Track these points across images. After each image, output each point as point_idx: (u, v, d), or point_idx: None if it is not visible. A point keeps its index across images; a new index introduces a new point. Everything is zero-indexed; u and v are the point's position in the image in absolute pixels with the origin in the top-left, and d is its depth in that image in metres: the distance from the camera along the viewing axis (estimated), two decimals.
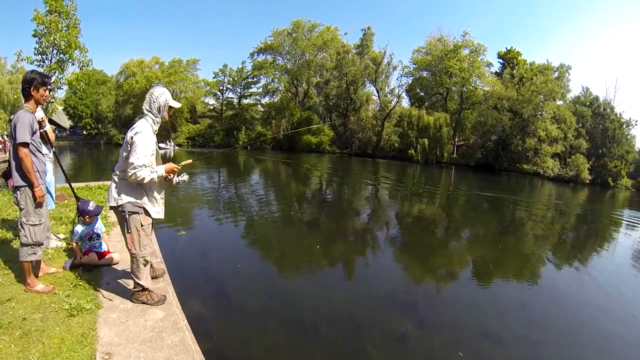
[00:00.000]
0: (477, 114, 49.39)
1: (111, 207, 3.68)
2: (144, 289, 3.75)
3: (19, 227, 3.84)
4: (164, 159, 3.90)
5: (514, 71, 47.49)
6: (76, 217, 5.31)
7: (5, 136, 38.20)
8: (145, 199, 3.60)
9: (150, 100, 3.60)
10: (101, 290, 4.02)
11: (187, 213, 11.84)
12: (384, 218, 13.50)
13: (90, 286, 4.03)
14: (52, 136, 5.20)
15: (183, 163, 3.85)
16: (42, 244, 3.99)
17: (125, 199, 3.53)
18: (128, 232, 3.61)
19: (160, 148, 3.88)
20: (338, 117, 58.15)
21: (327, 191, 19.86)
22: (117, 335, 3.21)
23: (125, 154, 3.47)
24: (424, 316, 6.06)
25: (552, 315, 6.45)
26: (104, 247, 4.78)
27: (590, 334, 5.93)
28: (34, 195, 3.78)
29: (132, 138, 3.43)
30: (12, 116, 3.87)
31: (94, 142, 63.88)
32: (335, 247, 9.52)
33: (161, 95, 3.63)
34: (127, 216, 3.56)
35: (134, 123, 3.63)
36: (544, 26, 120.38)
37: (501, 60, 56.54)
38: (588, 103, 48.15)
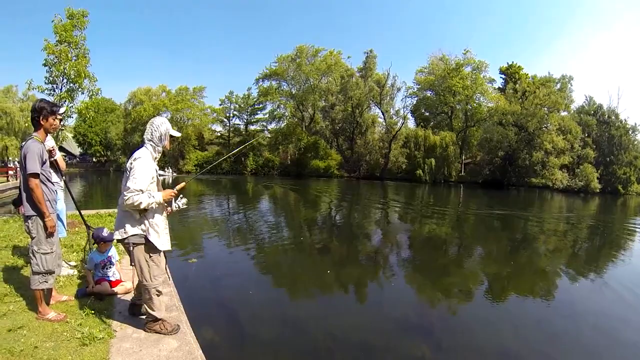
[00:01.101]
0: (483, 130, 49.50)
1: (117, 240, 3.66)
2: (157, 319, 3.69)
3: (31, 255, 3.82)
4: (163, 186, 3.88)
5: (517, 85, 47.88)
6: (87, 245, 5.31)
7: (16, 162, 38.77)
8: (149, 230, 3.54)
9: (152, 129, 3.65)
10: (114, 319, 3.97)
11: (197, 240, 11.83)
12: (395, 241, 13.37)
13: (103, 315, 3.97)
14: (62, 164, 5.24)
15: (178, 187, 3.81)
16: (54, 272, 3.95)
17: (129, 231, 3.49)
18: (134, 265, 3.59)
19: (160, 175, 3.87)
20: (345, 140, 58.48)
21: (336, 216, 19.78)
22: None
23: (124, 181, 3.47)
24: (440, 338, 5.90)
25: (572, 329, 6.29)
26: (117, 276, 4.75)
27: (612, 345, 5.74)
28: (45, 225, 3.77)
29: (131, 164, 3.46)
30: (22, 143, 3.88)
31: (103, 169, 64.64)
32: (347, 271, 9.40)
33: (162, 124, 3.68)
34: (131, 248, 3.54)
35: (134, 151, 3.66)
36: (542, 36, 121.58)
37: (503, 76, 57.25)
38: (592, 112, 48.27)
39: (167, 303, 4.43)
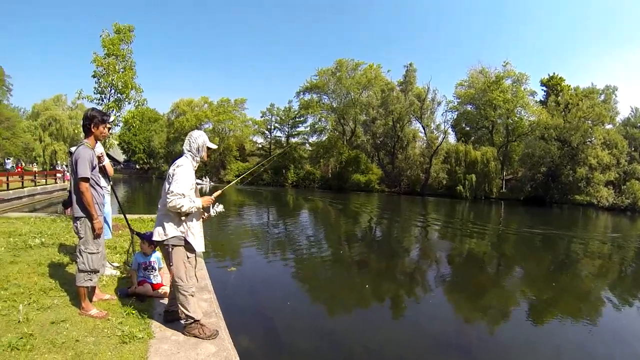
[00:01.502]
0: (525, 145, 47.72)
1: (156, 242, 3.79)
2: (195, 321, 3.70)
3: (78, 254, 3.97)
4: (201, 194, 4.00)
5: (559, 98, 46.01)
6: (131, 247, 5.46)
7: (65, 166, 40.90)
8: (187, 232, 3.67)
9: (190, 141, 3.85)
10: (154, 320, 4.01)
11: (237, 250, 12.01)
12: (433, 258, 13.09)
13: (143, 316, 4.02)
14: (110, 170, 5.48)
15: (215, 194, 3.96)
16: (99, 271, 4.10)
17: (169, 232, 3.62)
18: (172, 265, 3.68)
19: (197, 184, 4.02)
20: (386, 155, 58.03)
21: (376, 231, 19.59)
22: None
23: (167, 185, 3.64)
24: (477, 358, 5.70)
25: (614, 356, 5.96)
26: (158, 280, 4.84)
27: None
28: (93, 227, 3.93)
29: (174, 170, 3.64)
30: (71, 148, 4.14)
31: (145, 176, 67.24)
32: (385, 286, 9.29)
33: (199, 137, 3.88)
34: (170, 249, 3.64)
35: (176, 159, 3.85)
36: (584, 45, 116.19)
37: (544, 88, 55.25)
38: (639, 124, 45.54)
39: (206, 309, 4.47)
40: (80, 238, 3.97)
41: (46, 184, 25.33)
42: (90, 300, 4.11)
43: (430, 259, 12.84)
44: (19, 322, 3.55)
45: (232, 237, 14.18)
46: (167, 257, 3.71)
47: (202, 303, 4.65)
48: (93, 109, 4.21)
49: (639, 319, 8.05)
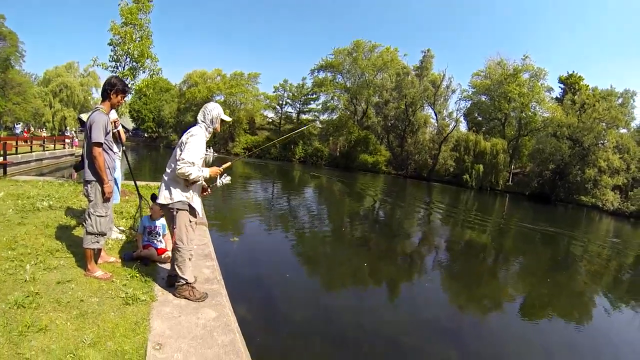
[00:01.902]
0: (536, 141, 47.10)
1: (161, 205, 3.90)
2: (187, 283, 3.84)
3: (86, 216, 4.05)
4: (205, 164, 4.06)
5: (576, 97, 45.11)
6: (137, 213, 5.54)
7: (74, 132, 41.10)
8: (193, 197, 3.82)
9: (205, 112, 3.93)
10: (157, 284, 4.10)
11: (241, 221, 12.12)
12: (433, 243, 13.13)
13: (147, 279, 4.12)
14: (123, 136, 5.54)
15: (224, 166, 4.04)
16: (106, 234, 4.22)
17: (175, 197, 3.74)
18: (175, 228, 3.80)
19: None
20: (396, 138, 57.73)
21: (379, 212, 19.62)
22: (169, 328, 3.23)
23: (178, 152, 3.73)
24: (468, 345, 5.84)
25: (606, 358, 6.01)
26: (162, 245, 4.91)
27: None
28: (103, 191, 4.02)
29: (187, 139, 3.72)
30: (81, 115, 4.13)
31: (154, 145, 67.42)
32: (383, 267, 9.35)
33: (214, 109, 3.95)
34: (175, 213, 3.76)
35: (189, 127, 3.95)
36: (606, 46, 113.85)
37: (562, 85, 54.32)
38: None
39: (208, 276, 4.57)
40: (90, 201, 4.05)
41: (54, 149, 25.48)
42: (96, 263, 4.21)
43: (429, 245, 12.89)
44: (25, 281, 3.65)
45: (236, 208, 14.30)
46: (172, 220, 3.82)
47: (205, 270, 4.74)
48: (116, 77, 4.27)
49: (629, 323, 8.05)
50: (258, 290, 6.49)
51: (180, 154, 3.64)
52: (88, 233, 4.01)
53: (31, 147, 21.63)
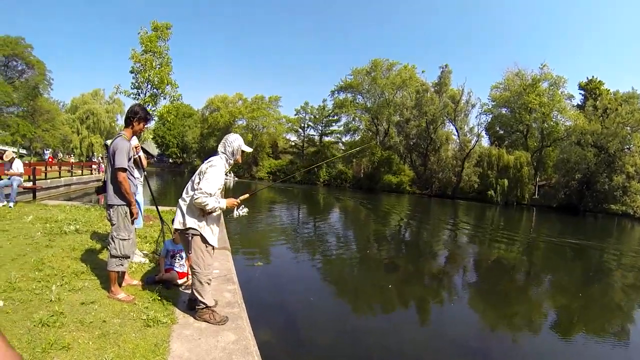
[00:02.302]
0: (559, 151, 45.99)
1: (177, 230, 3.97)
2: (207, 307, 3.85)
3: (110, 240, 4.17)
4: (225, 190, 4.15)
5: (597, 102, 43.94)
6: (160, 237, 5.64)
7: (100, 158, 42.30)
8: (205, 228, 3.83)
9: (226, 144, 3.98)
10: (178, 307, 4.14)
11: (265, 245, 12.19)
12: (460, 262, 12.87)
13: (168, 302, 4.17)
14: (144, 162, 5.69)
15: (241, 197, 4.07)
16: (129, 257, 4.33)
17: (187, 223, 3.79)
18: (191, 253, 3.86)
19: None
20: (418, 157, 57.48)
21: (405, 233, 19.40)
22: (189, 350, 3.23)
23: (196, 181, 3.81)
24: None
25: None
26: (184, 269, 4.97)
27: None
28: (131, 212, 4.19)
29: (206, 169, 3.80)
30: (107, 141, 4.43)
31: (178, 170, 68.76)
32: (409, 288, 9.22)
33: (235, 140, 3.99)
34: (190, 238, 3.82)
35: (210, 157, 4.02)
36: (625, 47, 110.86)
37: (582, 92, 53.33)
38: None
39: (229, 299, 4.57)
40: (112, 225, 4.18)
41: (82, 175, 26.26)
42: (120, 285, 4.31)
43: (457, 264, 12.62)
44: (50, 301, 3.75)
45: (261, 233, 14.38)
46: (187, 245, 3.88)
47: (226, 293, 4.75)
48: (139, 105, 4.47)
49: None
50: (280, 314, 6.45)
51: (199, 183, 3.72)
52: (112, 256, 4.12)
53: (60, 172, 22.36)
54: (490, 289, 10.09)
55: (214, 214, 3.86)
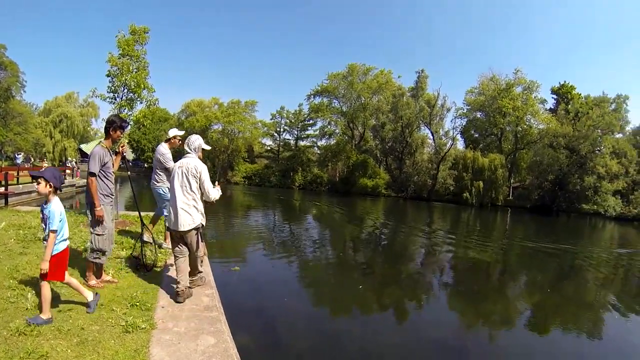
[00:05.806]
0: (533, 153, 47.44)
1: (186, 231, 4.58)
2: (199, 272, 5.10)
3: (89, 234, 4.69)
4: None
5: (569, 106, 45.65)
6: (138, 241, 5.69)
7: (74, 162, 41.30)
8: (203, 217, 4.78)
9: (189, 143, 4.89)
10: (157, 312, 4.16)
11: (242, 250, 12.11)
12: (436, 264, 12.99)
13: (147, 307, 4.18)
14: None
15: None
16: (106, 252, 4.75)
17: (197, 220, 4.63)
18: (203, 242, 4.90)
19: None
20: (394, 160, 57.93)
21: (380, 236, 19.51)
22: (169, 355, 3.26)
23: (194, 184, 4.63)
24: None
25: None
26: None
27: None
28: (92, 213, 4.59)
29: (200, 172, 4.66)
30: (81, 145, 5.16)
31: None
32: (385, 290, 9.27)
33: (196, 140, 4.93)
34: (202, 231, 4.79)
35: (183, 159, 4.81)
36: (595, 53, 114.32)
37: (555, 96, 55.03)
38: None
39: (207, 303, 4.62)
40: (89, 221, 4.68)
41: None
42: (97, 277, 4.80)
43: (432, 266, 12.78)
44: (26, 309, 3.74)
45: (237, 237, 14.28)
46: (193, 239, 4.64)
47: (204, 298, 4.80)
48: (116, 115, 5.09)
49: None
50: (259, 318, 6.46)
51: (204, 185, 4.65)
52: (91, 250, 4.61)
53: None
54: (466, 289, 10.27)
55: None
